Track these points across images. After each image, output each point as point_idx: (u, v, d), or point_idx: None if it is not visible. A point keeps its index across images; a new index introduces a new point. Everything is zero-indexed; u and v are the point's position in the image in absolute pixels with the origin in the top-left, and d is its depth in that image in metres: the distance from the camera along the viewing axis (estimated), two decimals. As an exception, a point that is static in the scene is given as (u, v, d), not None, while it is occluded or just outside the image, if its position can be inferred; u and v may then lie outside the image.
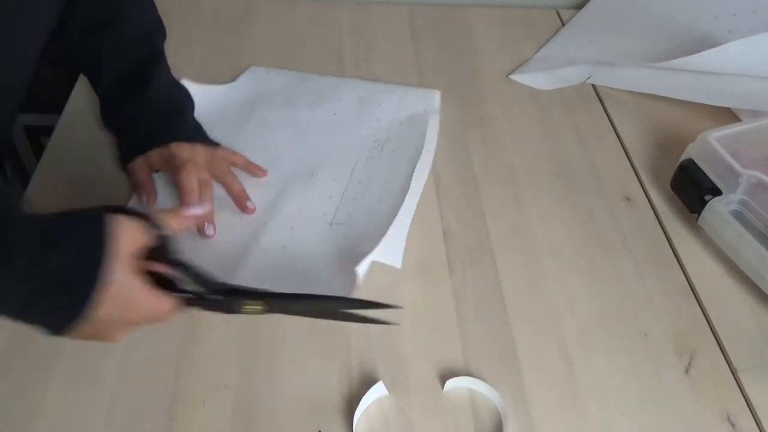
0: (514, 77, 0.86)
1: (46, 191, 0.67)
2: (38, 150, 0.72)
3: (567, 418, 0.53)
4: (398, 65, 0.87)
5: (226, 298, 0.49)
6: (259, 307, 0.50)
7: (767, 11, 0.86)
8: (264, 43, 0.89)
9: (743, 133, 0.69)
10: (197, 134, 0.68)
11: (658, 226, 0.69)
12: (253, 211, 0.66)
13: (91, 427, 0.51)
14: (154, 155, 0.65)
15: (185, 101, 0.70)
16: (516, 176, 0.73)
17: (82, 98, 0.78)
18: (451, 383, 0.54)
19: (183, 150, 0.64)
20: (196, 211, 0.58)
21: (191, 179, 0.62)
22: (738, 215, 0.64)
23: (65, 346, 0.55)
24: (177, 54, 0.85)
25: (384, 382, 0.53)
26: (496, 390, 0.53)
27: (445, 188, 0.71)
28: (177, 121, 0.67)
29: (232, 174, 0.67)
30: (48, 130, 0.74)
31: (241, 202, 0.66)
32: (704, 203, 0.65)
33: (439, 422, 0.52)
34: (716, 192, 0.65)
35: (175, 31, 0.89)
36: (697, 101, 0.80)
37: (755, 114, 0.77)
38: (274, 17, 0.94)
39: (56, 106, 0.78)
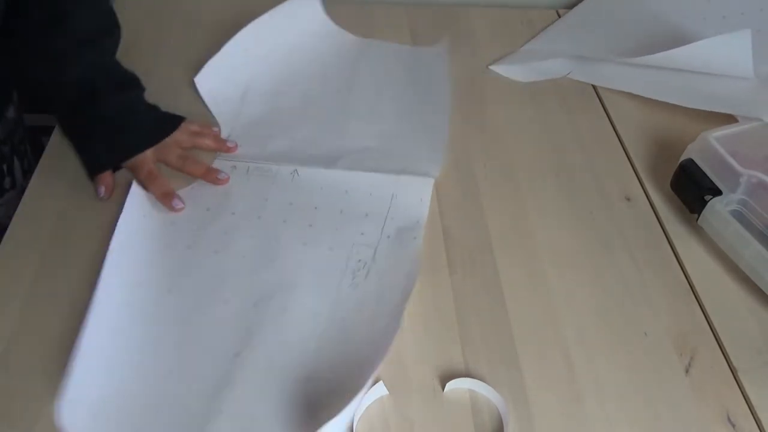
0: (493, 68, 0.86)
1: (46, 191, 0.67)
2: (38, 150, 0.72)
3: (567, 418, 0.53)
4: (398, 65, 0.87)
5: None
6: None
7: (755, 14, 0.88)
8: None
9: (743, 133, 0.69)
10: (146, 139, 0.69)
11: (658, 226, 0.69)
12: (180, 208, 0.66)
13: (91, 427, 0.51)
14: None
15: (133, 102, 0.71)
16: (516, 176, 0.73)
17: (82, 98, 0.78)
18: (452, 384, 0.54)
19: (138, 166, 0.68)
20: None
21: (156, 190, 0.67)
22: (738, 215, 0.64)
23: (65, 346, 0.55)
24: (177, 55, 0.85)
25: (384, 382, 0.54)
26: (496, 391, 0.53)
27: (445, 188, 0.71)
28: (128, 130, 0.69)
29: (185, 158, 0.70)
30: (48, 130, 0.73)
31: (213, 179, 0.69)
32: (704, 203, 0.65)
33: (439, 422, 0.52)
34: (716, 192, 0.65)
35: (176, 33, 0.89)
36: (672, 101, 0.80)
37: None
38: (274, 17, 0.93)
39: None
